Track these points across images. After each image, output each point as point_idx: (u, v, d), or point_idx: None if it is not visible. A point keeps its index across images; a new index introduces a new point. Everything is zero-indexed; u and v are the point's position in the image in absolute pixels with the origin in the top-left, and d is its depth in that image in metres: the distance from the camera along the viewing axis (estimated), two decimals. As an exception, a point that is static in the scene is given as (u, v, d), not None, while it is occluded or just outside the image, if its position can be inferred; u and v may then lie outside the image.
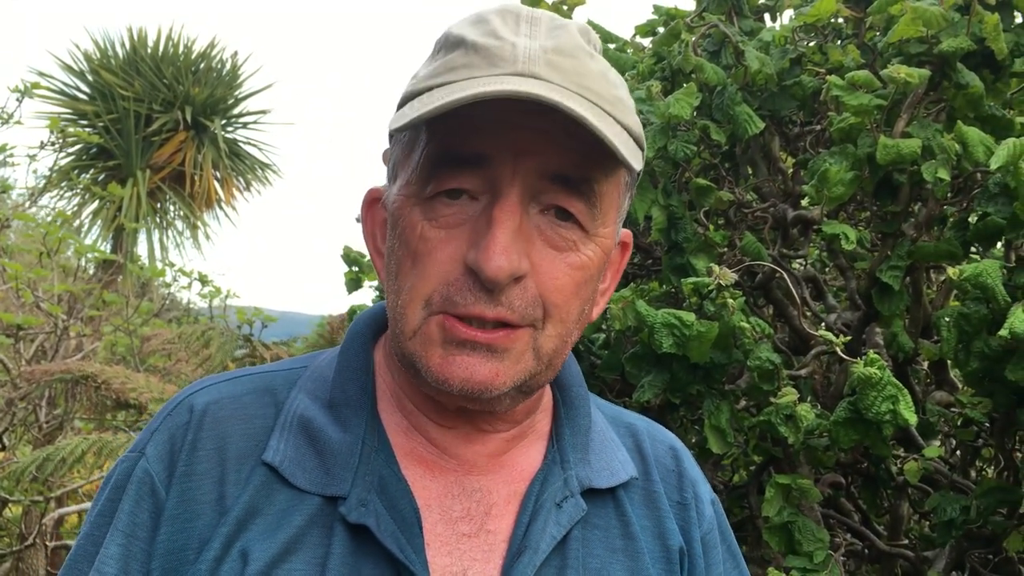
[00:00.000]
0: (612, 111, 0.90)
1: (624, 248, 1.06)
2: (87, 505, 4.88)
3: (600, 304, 1.04)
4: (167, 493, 0.95)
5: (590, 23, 2.16)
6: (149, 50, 13.49)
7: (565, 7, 2.07)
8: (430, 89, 0.90)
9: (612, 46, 2.20)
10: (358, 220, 1.12)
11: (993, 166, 1.39)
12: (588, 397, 1.11)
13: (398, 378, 1.02)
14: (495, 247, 0.88)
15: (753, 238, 1.76)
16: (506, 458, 1.04)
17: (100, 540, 0.97)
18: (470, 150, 0.90)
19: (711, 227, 1.87)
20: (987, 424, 1.84)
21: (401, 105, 0.94)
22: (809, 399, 1.71)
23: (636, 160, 0.93)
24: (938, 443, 2.04)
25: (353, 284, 2.73)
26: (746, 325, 1.60)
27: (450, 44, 0.94)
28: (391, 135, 0.99)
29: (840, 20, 1.88)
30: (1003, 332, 1.33)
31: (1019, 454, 1.83)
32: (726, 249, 1.84)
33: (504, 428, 1.04)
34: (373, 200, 1.05)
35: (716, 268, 1.61)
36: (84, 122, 13.15)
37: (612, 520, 1.06)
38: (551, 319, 0.94)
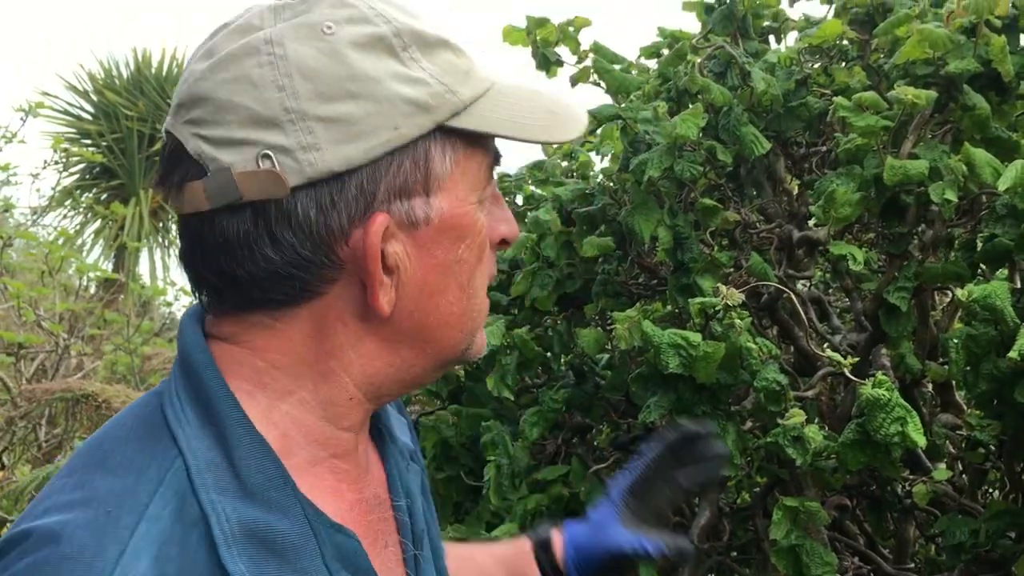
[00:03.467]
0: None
1: None
2: (87, 525, 4.82)
3: None
4: None
5: (595, 44, 2.15)
6: (153, 71, 13.57)
7: (571, 28, 2.07)
8: (482, 95, 0.91)
9: (617, 67, 2.20)
10: None
11: (1001, 188, 1.40)
12: None
13: (308, 403, 0.92)
14: (511, 214, 0.99)
15: (760, 259, 1.76)
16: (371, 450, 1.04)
17: None
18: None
19: (716, 248, 1.86)
20: (994, 447, 1.83)
21: (452, 116, 0.89)
22: (816, 421, 1.70)
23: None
24: (944, 466, 2.03)
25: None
26: (753, 346, 1.59)
27: (427, 43, 0.90)
28: (407, 145, 0.88)
29: (845, 42, 1.88)
30: (1013, 354, 1.32)
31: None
32: (732, 270, 1.84)
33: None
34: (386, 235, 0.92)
35: (723, 288, 1.61)
36: (88, 142, 13.20)
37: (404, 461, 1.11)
38: None
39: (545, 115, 0.95)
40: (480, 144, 0.92)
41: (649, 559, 1.47)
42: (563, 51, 2.15)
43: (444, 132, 0.89)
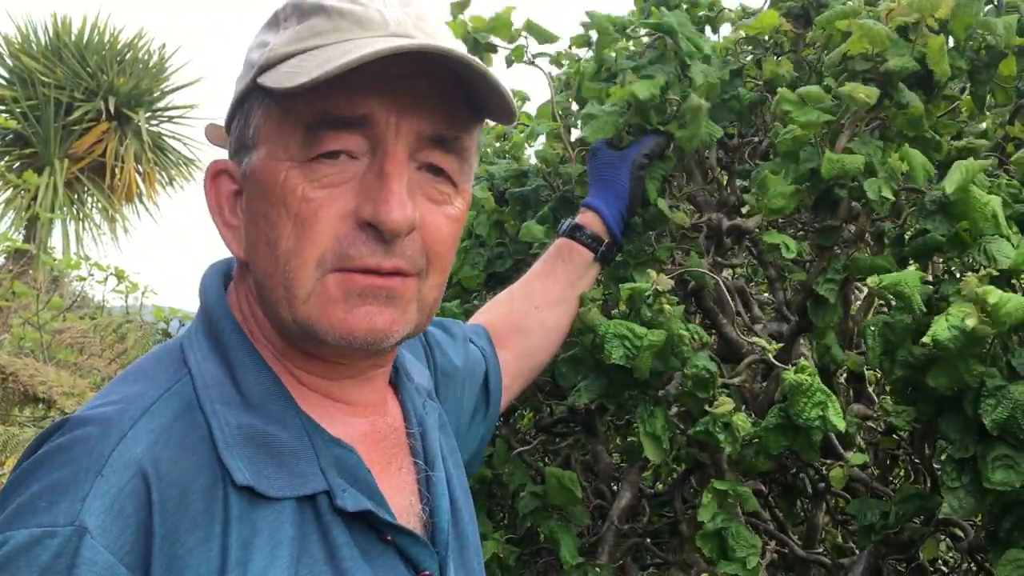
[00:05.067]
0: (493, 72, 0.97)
1: None
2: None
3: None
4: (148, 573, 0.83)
5: (528, 23, 2.15)
6: (73, 37, 13.18)
7: (501, 23, 2.06)
8: (302, 52, 0.94)
9: (548, 46, 2.20)
10: None
11: (948, 190, 1.44)
12: None
13: (276, 346, 1.03)
14: (394, 200, 0.93)
15: (698, 259, 1.79)
16: (387, 392, 1.15)
17: None
18: (353, 112, 0.94)
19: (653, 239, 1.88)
20: (906, 434, 1.90)
21: (261, 72, 0.96)
22: (742, 408, 1.74)
23: (514, 114, 1.03)
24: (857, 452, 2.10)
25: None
26: (685, 332, 1.62)
27: (303, 11, 0.97)
28: (240, 103, 1.01)
29: (780, 34, 1.92)
30: (926, 340, 1.37)
31: (937, 464, 1.89)
32: (668, 265, 1.86)
33: (386, 365, 1.12)
34: (218, 172, 1.05)
35: (653, 274, 1.63)
36: (1, 107, 12.76)
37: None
38: (433, 268, 1.01)
39: (342, 58, 0.90)
40: (296, 102, 0.94)
41: (659, 141, 1.73)
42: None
43: (263, 90, 0.96)
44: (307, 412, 1.00)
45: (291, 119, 0.95)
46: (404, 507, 1.05)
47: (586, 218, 1.70)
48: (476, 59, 0.93)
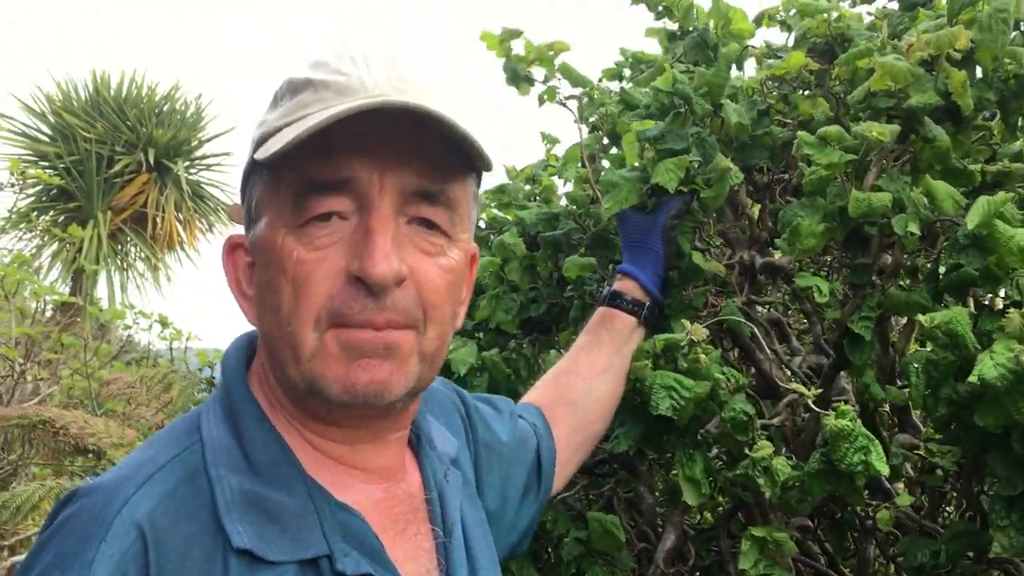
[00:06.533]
0: (465, 122, 0.98)
1: (472, 262, 1.15)
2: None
3: (460, 315, 1.13)
4: None
5: (563, 66, 2.16)
6: (112, 92, 13.48)
7: (551, 52, 2.07)
8: (289, 124, 0.98)
9: (580, 89, 2.20)
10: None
11: (970, 226, 1.42)
12: None
13: (290, 411, 1.05)
14: (378, 253, 0.96)
15: (733, 306, 1.77)
16: (406, 459, 1.15)
17: None
18: (336, 176, 0.97)
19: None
20: (954, 470, 1.86)
21: (256, 147, 1.00)
22: (783, 449, 1.72)
23: (489, 163, 1.04)
24: (904, 489, 2.06)
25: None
26: (721, 376, 1.61)
27: (295, 88, 1.02)
28: (246, 180, 1.06)
29: (807, 71, 1.90)
30: (972, 378, 1.34)
31: (985, 498, 1.84)
32: (704, 311, 1.85)
33: (403, 428, 1.12)
34: (234, 246, 1.10)
35: (688, 324, 1.62)
36: (45, 163, 13.06)
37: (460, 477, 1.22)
38: (431, 321, 1.02)
39: (312, 123, 0.93)
40: (281, 170, 0.99)
41: (684, 199, 1.71)
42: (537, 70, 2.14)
43: (259, 164, 1.00)
44: (317, 478, 1.02)
45: (283, 188, 0.99)
46: (420, 574, 1.06)
47: (624, 284, 1.70)
48: (441, 112, 0.95)
